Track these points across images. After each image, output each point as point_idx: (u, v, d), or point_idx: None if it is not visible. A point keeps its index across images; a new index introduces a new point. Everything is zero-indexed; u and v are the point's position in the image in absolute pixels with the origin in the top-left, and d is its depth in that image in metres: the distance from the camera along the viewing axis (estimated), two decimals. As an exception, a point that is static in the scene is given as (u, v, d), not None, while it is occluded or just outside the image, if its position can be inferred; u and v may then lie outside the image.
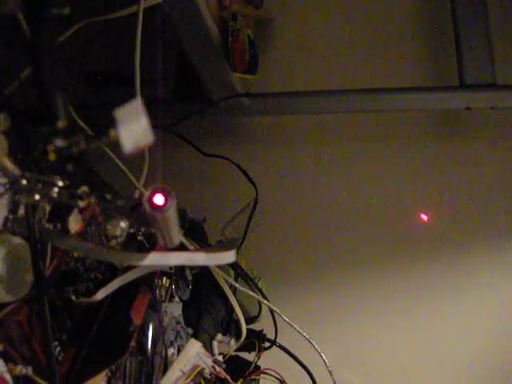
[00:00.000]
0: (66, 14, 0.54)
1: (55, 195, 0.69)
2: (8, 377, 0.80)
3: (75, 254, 0.91)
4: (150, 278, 0.95)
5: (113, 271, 0.93)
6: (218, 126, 1.53)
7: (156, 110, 1.52)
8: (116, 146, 0.54)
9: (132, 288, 0.91)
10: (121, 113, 0.49)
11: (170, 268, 1.23)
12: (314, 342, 1.16)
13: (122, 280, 0.89)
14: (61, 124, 0.53)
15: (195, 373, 1.00)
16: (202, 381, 1.02)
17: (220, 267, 1.28)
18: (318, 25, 1.51)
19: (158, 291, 1.17)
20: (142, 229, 0.78)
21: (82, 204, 0.69)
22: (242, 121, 1.53)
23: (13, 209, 0.81)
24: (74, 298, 0.88)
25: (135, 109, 0.49)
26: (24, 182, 0.70)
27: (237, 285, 1.23)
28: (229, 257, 0.81)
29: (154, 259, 0.75)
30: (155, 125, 1.43)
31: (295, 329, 1.20)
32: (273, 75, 1.51)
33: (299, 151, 1.50)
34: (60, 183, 0.70)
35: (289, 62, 1.52)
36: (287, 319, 1.20)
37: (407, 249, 1.48)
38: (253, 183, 1.36)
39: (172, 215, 0.63)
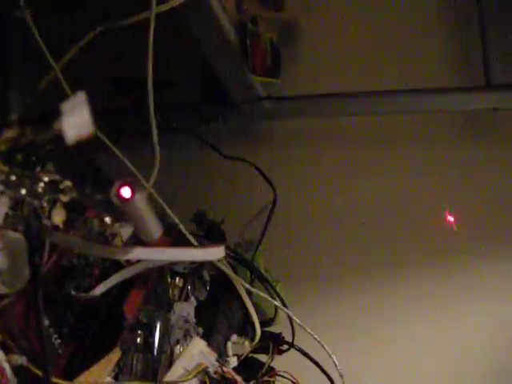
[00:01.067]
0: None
1: (40, 190, 0.72)
2: (7, 366, 0.83)
3: (76, 250, 0.94)
4: (148, 274, 0.96)
5: (116, 267, 0.95)
6: (239, 129, 1.54)
7: (179, 113, 1.55)
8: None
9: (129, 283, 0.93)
10: (65, 105, 0.51)
11: (184, 268, 1.25)
12: (325, 346, 1.15)
13: (120, 276, 0.91)
14: (13, 117, 0.56)
15: (198, 370, 1.01)
16: (206, 379, 1.03)
17: (238, 268, 1.29)
18: (342, 27, 1.50)
19: (171, 291, 1.19)
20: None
21: (64, 198, 0.71)
22: (263, 124, 1.54)
23: (13, 206, 0.84)
24: (73, 292, 0.90)
25: (78, 101, 0.51)
26: (13, 177, 0.73)
27: (250, 287, 1.24)
28: (218, 252, 0.82)
29: (141, 254, 0.77)
30: (177, 127, 1.45)
31: (308, 332, 1.19)
32: (296, 78, 1.51)
33: (320, 154, 1.49)
34: (46, 178, 0.72)
35: (312, 64, 1.52)
36: (300, 322, 1.20)
37: (430, 254, 1.45)
38: (271, 185, 1.36)
39: (141, 208, 0.64)
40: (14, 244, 0.83)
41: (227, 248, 1.34)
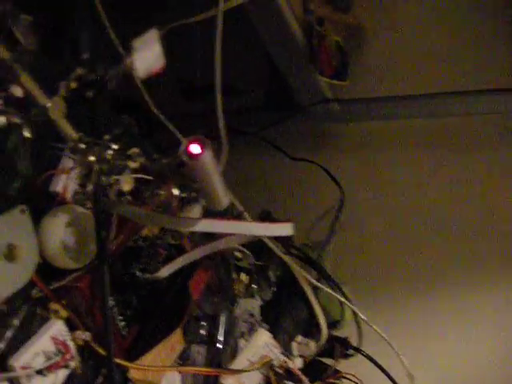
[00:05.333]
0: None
1: (109, 157, 0.72)
2: (71, 344, 0.82)
3: (142, 233, 0.94)
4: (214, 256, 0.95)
5: (179, 249, 0.94)
6: (307, 132, 1.53)
7: (246, 117, 1.55)
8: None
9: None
10: (137, 42, 0.50)
11: (249, 263, 1.23)
12: (396, 349, 1.11)
13: (186, 258, 0.90)
14: (84, 56, 0.56)
15: (263, 363, 0.98)
16: (271, 373, 1.00)
17: (303, 269, 1.26)
18: (409, 29, 1.47)
19: (236, 286, 1.18)
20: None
21: (132, 165, 0.71)
22: (330, 127, 1.52)
23: (82, 182, 0.85)
24: (139, 274, 0.90)
25: (150, 37, 0.50)
26: (82, 145, 0.73)
27: (319, 284, 1.20)
28: (286, 228, 0.79)
29: (206, 225, 0.75)
30: (245, 131, 1.45)
31: (380, 335, 1.15)
32: (364, 81, 1.49)
33: (388, 156, 1.46)
34: (114, 146, 0.72)
35: (379, 67, 1.50)
36: (369, 322, 1.16)
37: (504, 259, 1.38)
38: (339, 186, 1.34)
39: (210, 166, 0.63)
40: (82, 219, 0.83)
41: (294, 248, 1.33)
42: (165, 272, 0.89)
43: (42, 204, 0.82)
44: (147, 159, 0.69)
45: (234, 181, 1.25)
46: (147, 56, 0.51)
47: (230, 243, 0.88)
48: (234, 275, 1.19)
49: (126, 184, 0.72)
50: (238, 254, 1.20)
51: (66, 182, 0.83)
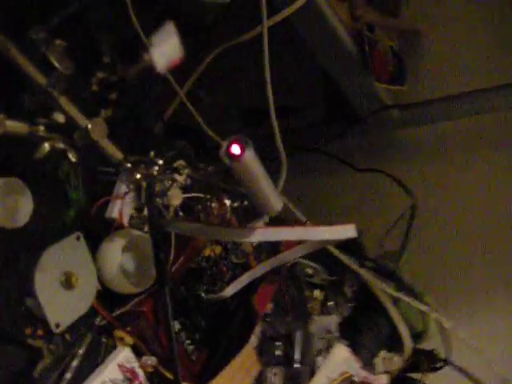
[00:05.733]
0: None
1: (155, 173, 0.71)
2: (139, 371, 0.81)
3: (205, 253, 0.92)
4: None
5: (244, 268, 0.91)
6: (369, 142, 1.48)
7: (310, 134, 1.53)
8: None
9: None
10: (155, 37, 0.49)
11: (322, 279, 1.19)
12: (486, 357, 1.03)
13: (251, 275, 0.87)
14: (105, 59, 0.55)
15: (342, 379, 0.93)
16: (351, 389, 0.95)
17: (380, 281, 1.20)
18: (462, 30, 1.41)
19: (310, 304, 1.14)
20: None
21: (180, 178, 0.69)
22: (393, 134, 1.47)
23: (137, 206, 0.84)
24: (203, 294, 0.88)
25: (167, 30, 0.49)
26: (128, 164, 0.72)
27: (398, 295, 1.15)
28: (348, 230, 0.75)
29: (263, 234, 0.72)
30: (308, 147, 1.42)
31: (467, 343, 1.08)
32: (419, 84, 1.44)
33: (454, 158, 1.38)
34: (160, 161, 0.71)
35: (435, 70, 1.44)
36: (454, 331, 1.09)
37: None
38: (409, 192, 1.28)
39: (254, 166, 0.60)
40: (139, 243, 0.82)
41: (369, 260, 1.28)
42: (230, 291, 0.87)
43: (98, 231, 0.82)
44: (193, 169, 0.67)
45: (300, 198, 1.23)
46: (165, 49, 0.50)
47: (292, 255, 0.85)
48: (308, 293, 1.15)
49: (175, 198, 0.70)
50: (310, 271, 1.16)
51: (121, 208, 0.83)
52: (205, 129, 0.94)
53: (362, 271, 1.21)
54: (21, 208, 0.73)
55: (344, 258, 1.18)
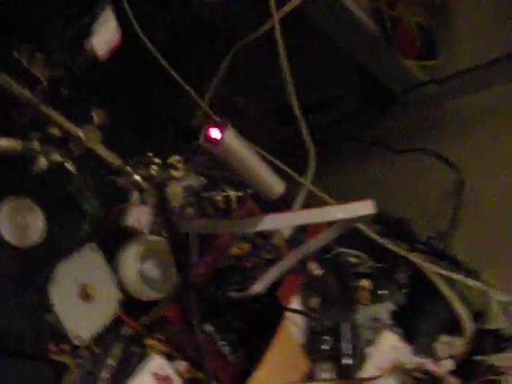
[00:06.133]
0: None
1: (154, 173, 0.70)
2: (174, 377, 0.79)
3: (233, 252, 0.90)
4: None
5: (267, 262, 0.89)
6: (408, 123, 1.42)
7: (348, 124, 1.49)
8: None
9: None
10: (96, 25, 0.48)
11: (369, 268, 1.14)
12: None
13: (278, 268, 0.85)
14: (54, 56, 0.54)
15: (392, 367, 0.88)
16: (406, 378, 0.90)
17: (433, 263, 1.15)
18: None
19: (358, 293, 1.10)
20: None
21: (176, 174, 0.68)
22: (431, 110, 1.40)
23: (155, 212, 0.83)
24: (233, 294, 0.85)
25: (106, 16, 0.48)
26: (128, 168, 0.71)
27: (454, 274, 1.09)
28: (366, 206, 0.71)
29: (274, 221, 0.70)
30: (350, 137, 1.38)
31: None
32: (455, 56, 1.37)
33: (496, 128, 1.30)
34: (156, 160, 0.70)
35: (470, 38, 1.37)
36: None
37: None
38: (455, 168, 1.22)
39: (237, 147, 0.58)
40: (158, 248, 0.81)
41: (419, 243, 1.22)
42: (258, 287, 0.84)
43: (116, 239, 0.81)
44: (186, 162, 0.65)
45: (343, 188, 1.19)
46: (105, 36, 0.49)
47: (318, 243, 0.81)
48: (355, 283, 1.11)
49: (176, 195, 0.68)
50: (354, 260, 1.12)
51: (137, 214, 0.82)
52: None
53: (413, 255, 1.16)
54: (32, 226, 0.73)
55: (389, 244, 1.13)
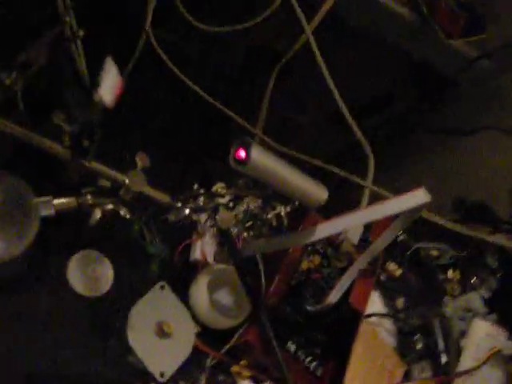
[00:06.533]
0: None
1: (201, 203, 0.71)
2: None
3: (303, 267, 0.90)
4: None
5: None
6: (469, 102, 1.37)
7: (408, 117, 1.46)
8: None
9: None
10: (100, 76, 0.51)
11: (452, 258, 1.10)
12: None
13: (349, 275, 0.84)
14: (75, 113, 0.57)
15: (489, 356, 0.85)
16: (505, 364, 0.86)
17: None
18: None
19: (447, 286, 1.06)
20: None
21: (222, 201, 0.69)
22: (490, 86, 1.35)
23: (221, 242, 0.85)
24: (309, 308, 0.85)
25: (108, 65, 0.50)
26: (179, 204, 0.74)
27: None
28: (419, 195, 0.70)
29: (329, 227, 0.70)
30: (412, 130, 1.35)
31: None
32: (504, 28, 1.32)
33: None
34: (201, 191, 0.72)
35: None
36: None
37: None
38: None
39: (266, 161, 0.59)
40: (227, 276, 0.83)
41: (503, 222, 1.17)
42: (333, 297, 0.83)
43: (187, 275, 0.83)
44: (233, 188, 0.66)
45: (416, 181, 1.17)
46: (110, 85, 0.51)
47: (382, 243, 0.80)
48: (441, 276, 1.08)
49: (224, 222, 0.70)
50: (435, 252, 1.09)
51: (201, 247, 0.84)
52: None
53: (498, 236, 1.12)
54: (101, 276, 0.77)
55: (468, 230, 1.10)
